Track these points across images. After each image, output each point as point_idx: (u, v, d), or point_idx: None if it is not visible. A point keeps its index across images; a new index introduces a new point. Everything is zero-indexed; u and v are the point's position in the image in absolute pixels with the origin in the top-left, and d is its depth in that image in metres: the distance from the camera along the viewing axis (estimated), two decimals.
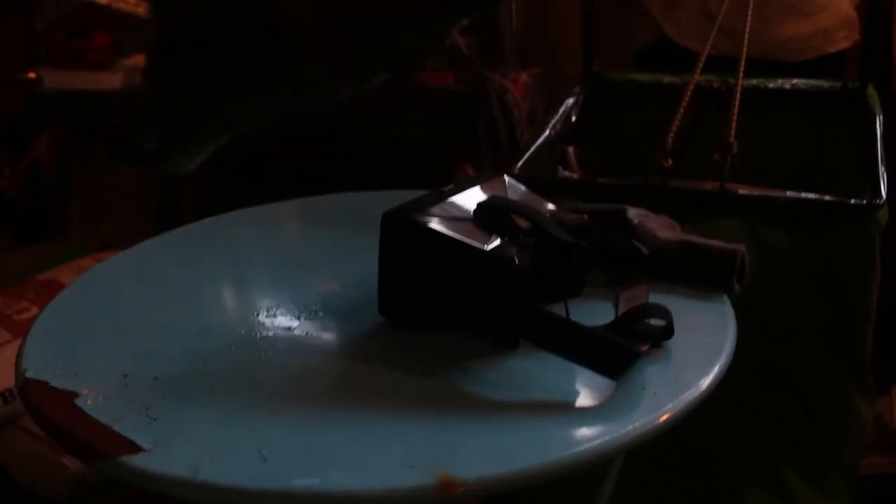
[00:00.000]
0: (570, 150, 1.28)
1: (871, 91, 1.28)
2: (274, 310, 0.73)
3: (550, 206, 0.72)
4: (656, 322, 0.65)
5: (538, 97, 1.97)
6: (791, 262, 1.03)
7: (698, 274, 0.74)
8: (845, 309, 1.09)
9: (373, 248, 0.68)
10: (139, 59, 2.10)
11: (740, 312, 0.73)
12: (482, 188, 0.73)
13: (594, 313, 0.68)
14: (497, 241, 0.65)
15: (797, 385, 1.14)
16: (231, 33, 0.60)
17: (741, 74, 1.23)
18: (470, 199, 0.70)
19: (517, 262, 0.63)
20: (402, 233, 0.67)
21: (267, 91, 0.61)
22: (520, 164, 1.08)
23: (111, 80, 2.05)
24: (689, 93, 1.16)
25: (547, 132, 1.24)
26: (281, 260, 0.89)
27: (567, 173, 1.18)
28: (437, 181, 1.61)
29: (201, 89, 0.62)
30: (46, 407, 0.59)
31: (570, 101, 1.35)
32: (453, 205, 0.69)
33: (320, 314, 0.72)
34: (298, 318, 0.71)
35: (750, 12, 1.43)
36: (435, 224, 0.66)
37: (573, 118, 1.33)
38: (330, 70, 0.60)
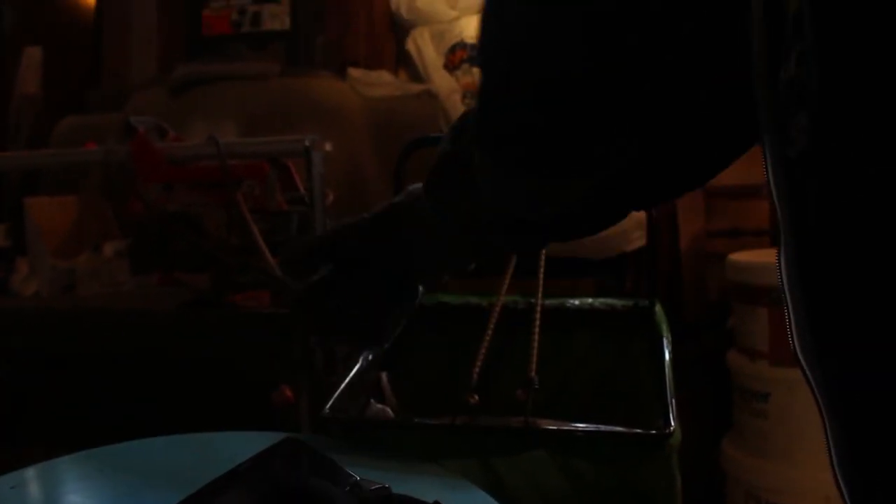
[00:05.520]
0: (384, 376, 1.29)
1: (659, 309, 1.38)
2: None
3: (350, 481, 0.72)
4: None
5: None
6: (597, 487, 1.07)
7: None
8: None
9: None
10: None
11: None
12: (280, 464, 0.72)
13: None
14: None
15: None
16: None
17: (540, 296, 1.32)
18: (266, 479, 0.69)
19: None
20: None
21: None
22: (329, 403, 1.07)
23: None
24: (493, 321, 1.21)
25: (360, 362, 1.25)
26: None
27: (379, 406, 1.18)
28: (255, 403, 1.59)
29: None
30: None
31: None
32: (249, 489, 0.68)
33: None
34: None
35: None
36: None
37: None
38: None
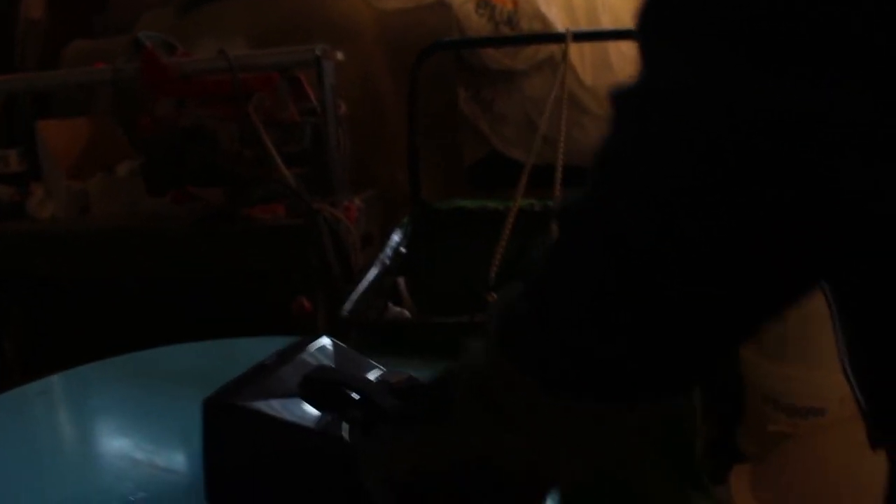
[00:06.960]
0: (402, 281, 1.30)
1: None
2: None
3: (376, 371, 0.72)
4: None
5: (373, 218, 1.99)
6: None
7: None
8: (676, 425, 1.14)
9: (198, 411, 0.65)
10: None
11: None
12: (307, 356, 0.72)
13: None
14: (325, 418, 0.64)
15: (640, 491, 1.17)
16: None
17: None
18: (295, 371, 0.69)
19: (348, 439, 0.62)
20: (225, 419, 0.64)
21: None
22: (349, 305, 1.08)
23: None
24: (510, 223, 1.20)
25: (377, 267, 1.25)
26: (97, 435, 0.84)
27: (398, 309, 1.19)
28: (273, 315, 1.60)
29: None
30: None
31: (399, 232, 1.37)
32: (278, 380, 0.68)
33: None
34: None
35: (564, 122, 1.50)
36: (259, 405, 0.64)
37: (402, 249, 1.35)
38: None
